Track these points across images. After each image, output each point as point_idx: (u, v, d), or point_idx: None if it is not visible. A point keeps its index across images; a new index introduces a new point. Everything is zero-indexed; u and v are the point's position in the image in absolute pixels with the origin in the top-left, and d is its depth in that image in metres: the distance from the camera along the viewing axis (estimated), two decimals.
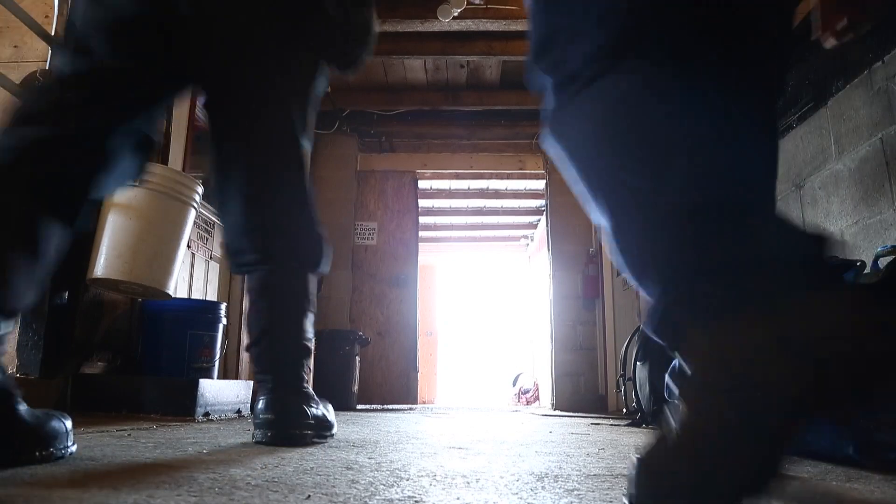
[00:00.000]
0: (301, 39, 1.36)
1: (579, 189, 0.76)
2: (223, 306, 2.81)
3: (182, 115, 3.01)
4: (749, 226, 0.64)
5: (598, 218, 0.75)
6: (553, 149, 0.79)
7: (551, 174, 5.88)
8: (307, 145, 1.45)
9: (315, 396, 1.57)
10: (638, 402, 2.96)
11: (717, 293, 0.61)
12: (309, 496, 0.80)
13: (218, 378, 2.78)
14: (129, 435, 1.52)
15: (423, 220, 7.70)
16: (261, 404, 1.46)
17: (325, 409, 1.59)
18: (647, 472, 0.61)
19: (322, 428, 1.55)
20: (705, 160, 0.67)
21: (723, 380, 0.57)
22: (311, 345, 1.58)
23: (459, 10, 4.06)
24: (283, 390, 1.47)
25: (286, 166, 1.42)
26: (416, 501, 0.80)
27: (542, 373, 7.88)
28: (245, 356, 3.87)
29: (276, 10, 1.32)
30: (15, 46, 2.37)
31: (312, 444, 1.47)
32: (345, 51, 1.44)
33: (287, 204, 1.46)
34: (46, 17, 2.30)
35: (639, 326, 3.17)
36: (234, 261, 1.53)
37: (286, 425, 1.43)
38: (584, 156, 0.76)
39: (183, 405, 2.24)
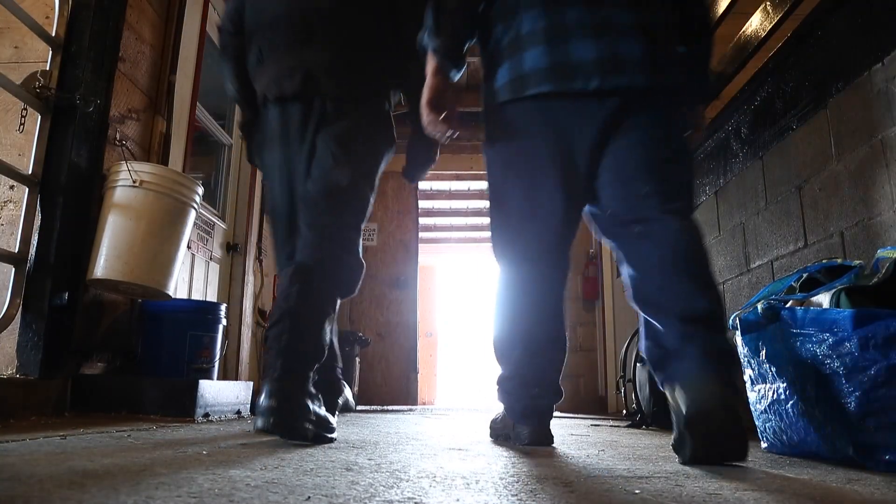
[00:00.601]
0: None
1: None
2: (223, 307, 2.81)
3: (182, 116, 3.01)
4: (517, 358, 1.67)
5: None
6: None
7: None
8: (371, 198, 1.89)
9: (320, 397, 1.62)
10: (638, 403, 2.95)
11: (506, 384, 1.71)
12: (309, 497, 0.80)
13: (218, 379, 2.78)
14: (128, 436, 1.52)
15: (423, 221, 7.69)
16: (264, 392, 1.48)
17: (327, 413, 1.65)
18: (491, 425, 1.83)
19: (322, 427, 1.57)
20: (509, 329, 1.70)
21: (506, 409, 1.73)
22: (326, 350, 1.67)
23: None
24: (288, 380, 1.49)
25: (359, 205, 1.83)
26: (415, 503, 0.80)
27: None
28: (245, 357, 3.87)
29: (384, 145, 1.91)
30: (15, 47, 2.36)
31: (312, 440, 1.50)
32: (415, 173, 2.04)
33: (347, 233, 1.79)
34: (47, 17, 2.30)
35: (638, 328, 3.16)
36: (281, 256, 1.90)
37: (287, 414, 1.45)
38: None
39: (182, 406, 2.24)
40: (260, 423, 1.44)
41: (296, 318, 1.57)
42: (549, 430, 1.66)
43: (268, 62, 1.88)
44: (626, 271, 1.54)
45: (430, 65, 1.64)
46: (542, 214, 1.61)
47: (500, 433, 1.75)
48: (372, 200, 1.88)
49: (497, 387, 1.72)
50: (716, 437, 1.15)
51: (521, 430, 1.64)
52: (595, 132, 1.52)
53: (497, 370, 1.72)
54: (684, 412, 1.25)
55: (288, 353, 1.52)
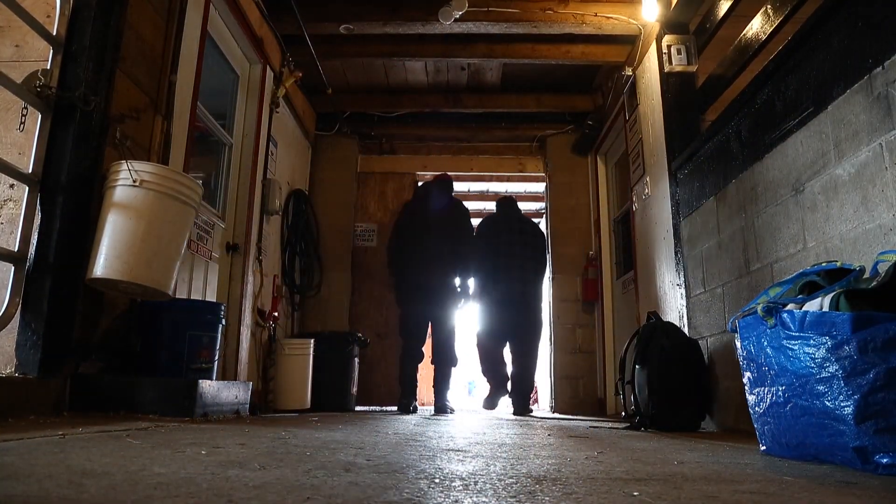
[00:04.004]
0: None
1: None
2: (223, 307, 2.81)
3: (183, 115, 3.01)
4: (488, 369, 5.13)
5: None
6: None
7: (551, 177, 5.88)
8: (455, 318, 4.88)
9: (450, 403, 4.69)
10: (637, 405, 2.95)
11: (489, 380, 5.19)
12: (308, 498, 0.80)
13: (217, 379, 2.78)
14: (127, 435, 1.52)
15: None
16: (435, 406, 4.67)
17: (453, 407, 4.76)
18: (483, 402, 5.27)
19: (452, 412, 4.57)
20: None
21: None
22: (451, 385, 4.78)
23: (461, 13, 4.06)
24: (440, 401, 4.61)
25: (452, 326, 4.82)
26: None
27: (541, 375, 7.85)
28: (244, 357, 3.87)
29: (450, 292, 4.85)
30: (16, 46, 2.36)
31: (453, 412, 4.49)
32: (462, 304, 4.94)
33: (452, 336, 4.83)
34: (48, 16, 2.30)
35: (638, 330, 3.16)
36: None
37: (444, 411, 4.52)
38: None
39: (181, 406, 2.24)
40: (433, 411, 4.58)
41: (437, 381, 4.70)
42: (497, 403, 5.08)
43: (414, 267, 4.67)
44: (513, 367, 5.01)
45: (470, 286, 4.95)
46: (493, 333, 5.01)
47: (485, 405, 5.11)
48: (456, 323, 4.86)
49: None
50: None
51: (488, 404, 5.08)
52: (509, 311, 4.87)
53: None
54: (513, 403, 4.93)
55: (439, 394, 4.68)
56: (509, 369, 5.05)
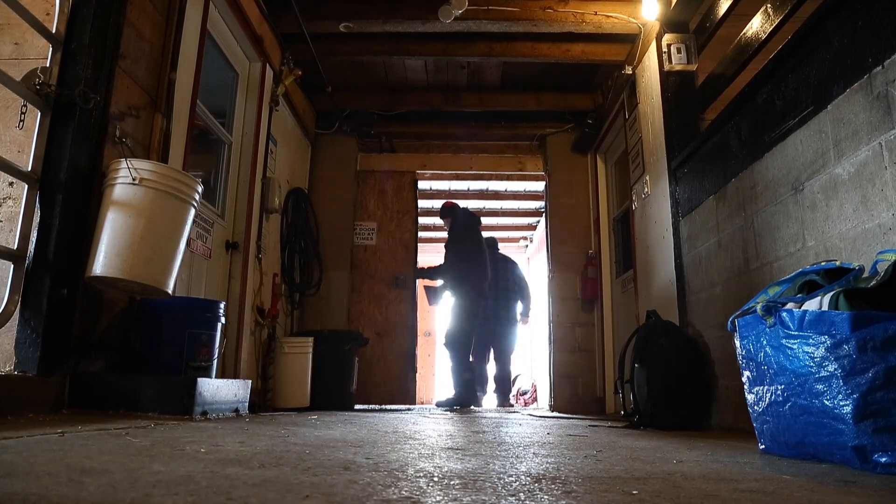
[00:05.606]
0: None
1: None
2: (222, 305, 2.81)
3: (182, 113, 3.01)
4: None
5: None
6: None
7: (551, 176, 5.88)
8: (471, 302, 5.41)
9: (465, 397, 5.20)
10: (636, 404, 2.96)
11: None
12: (307, 496, 0.80)
13: (216, 377, 2.78)
14: (126, 433, 1.52)
15: (422, 220, 7.69)
16: (450, 399, 5.15)
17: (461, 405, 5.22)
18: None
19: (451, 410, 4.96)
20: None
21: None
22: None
23: (461, 11, 4.06)
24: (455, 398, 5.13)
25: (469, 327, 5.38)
26: (413, 502, 0.80)
27: (540, 374, 7.87)
28: (244, 356, 3.87)
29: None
30: (16, 43, 2.36)
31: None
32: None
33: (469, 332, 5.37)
34: (48, 14, 2.30)
35: (637, 329, 3.17)
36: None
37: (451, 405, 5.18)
38: None
39: (181, 404, 2.24)
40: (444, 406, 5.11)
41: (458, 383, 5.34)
42: (480, 400, 6.25)
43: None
44: (496, 364, 6.53)
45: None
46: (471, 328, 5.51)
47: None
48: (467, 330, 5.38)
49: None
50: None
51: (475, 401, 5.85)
52: (496, 331, 6.51)
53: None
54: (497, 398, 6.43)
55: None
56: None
